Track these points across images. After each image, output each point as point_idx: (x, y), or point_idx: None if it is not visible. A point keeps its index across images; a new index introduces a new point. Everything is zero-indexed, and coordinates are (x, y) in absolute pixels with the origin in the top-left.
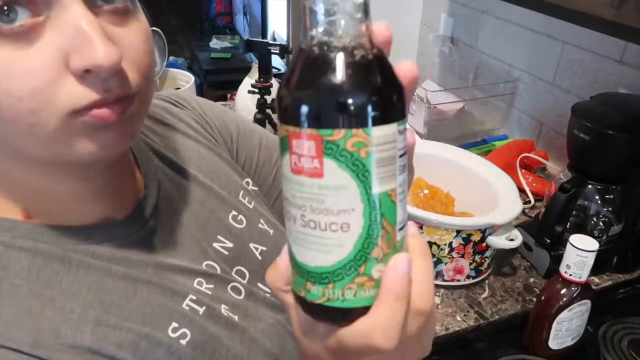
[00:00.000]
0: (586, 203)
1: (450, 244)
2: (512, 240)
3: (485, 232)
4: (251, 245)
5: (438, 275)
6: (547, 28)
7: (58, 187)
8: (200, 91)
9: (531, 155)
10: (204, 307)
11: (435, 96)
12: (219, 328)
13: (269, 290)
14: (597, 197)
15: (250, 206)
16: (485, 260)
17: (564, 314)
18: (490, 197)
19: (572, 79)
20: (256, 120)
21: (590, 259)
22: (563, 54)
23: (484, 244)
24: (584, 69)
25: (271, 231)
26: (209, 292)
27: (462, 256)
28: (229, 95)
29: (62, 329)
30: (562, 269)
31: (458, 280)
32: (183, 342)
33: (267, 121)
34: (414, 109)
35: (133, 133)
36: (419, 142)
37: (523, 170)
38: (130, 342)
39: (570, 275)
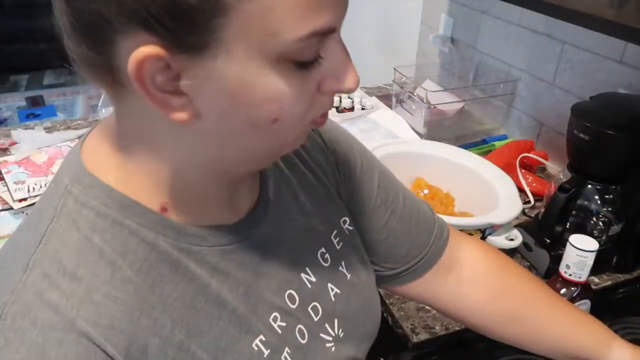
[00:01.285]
0: (586, 203)
1: None
2: (512, 240)
3: (485, 232)
4: (329, 285)
5: None
6: (547, 28)
7: (202, 191)
8: None
9: (531, 155)
10: (268, 350)
11: (435, 96)
12: None
13: (332, 334)
14: (597, 197)
15: (338, 247)
16: None
17: None
18: (490, 197)
19: (572, 79)
20: None
21: (590, 259)
22: (563, 54)
23: None
24: (584, 69)
25: (348, 275)
26: (280, 332)
27: None
28: None
29: (150, 346)
30: (562, 269)
31: None
32: None
33: None
34: (413, 108)
35: None
36: (419, 142)
37: (523, 170)
38: None
39: (570, 275)
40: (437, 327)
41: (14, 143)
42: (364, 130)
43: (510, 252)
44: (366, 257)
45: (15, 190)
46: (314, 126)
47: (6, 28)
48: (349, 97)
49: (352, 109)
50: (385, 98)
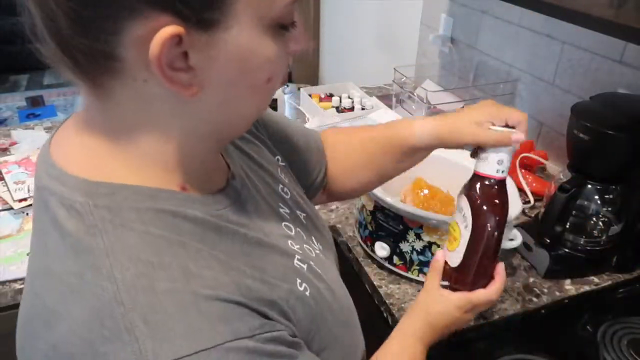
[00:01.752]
0: (586, 203)
1: None
2: (511, 240)
3: None
4: (297, 212)
5: None
6: (547, 28)
7: (207, 161)
8: None
9: (531, 155)
10: (305, 265)
11: (435, 96)
12: (318, 281)
13: (317, 249)
14: (596, 197)
15: (287, 181)
16: None
17: None
18: None
19: (572, 79)
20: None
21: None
22: (563, 54)
23: None
24: (583, 69)
25: (301, 201)
26: (301, 252)
27: None
28: None
29: (247, 283)
30: (491, 168)
31: None
32: (307, 294)
33: None
34: (413, 108)
35: None
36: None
37: (523, 170)
38: (285, 298)
39: (503, 172)
40: None
41: (14, 143)
42: None
43: (510, 252)
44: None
45: (15, 190)
46: (281, 86)
47: (6, 28)
48: (349, 97)
49: (352, 109)
50: (385, 98)
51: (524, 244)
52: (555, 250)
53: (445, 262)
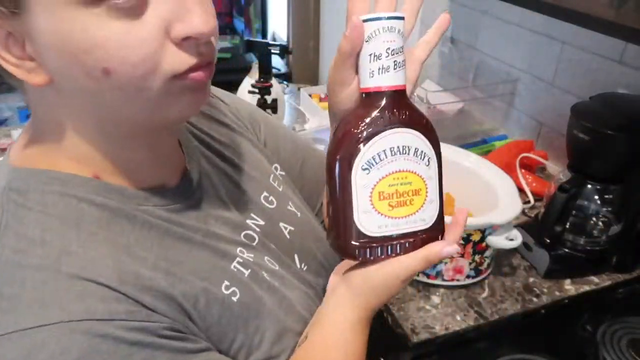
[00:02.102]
0: (586, 203)
1: None
2: (511, 240)
3: (485, 232)
4: (281, 224)
5: (438, 275)
6: (546, 28)
7: (127, 156)
8: None
9: (531, 155)
10: (249, 270)
11: (435, 96)
12: (262, 291)
13: (296, 268)
14: (596, 197)
15: (280, 189)
16: (485, 260)
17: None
18: (490, 197)
19: (571, 79)
20: None
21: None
22: (562, 54)
23: (483, 244)
24: (583, 69)
25: (298, 213)
26: (251, 260)
27: (462, 256)
28: None
29: (140, 272)
30: (364, 75)
31: (458, 280)
32: (234, 299)
33: None
34: None
35: (209, 95)
36: None
37: (523, 170)
38: (192, 294)
39: (381, 76)
40: (437, 327)
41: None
42: None
43: (510, 252)
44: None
45: None
46: (187, 82)
47: None
48: None
49: None
50: None
51: (524, 244)
52: (555, 250)
53: (409, 234)
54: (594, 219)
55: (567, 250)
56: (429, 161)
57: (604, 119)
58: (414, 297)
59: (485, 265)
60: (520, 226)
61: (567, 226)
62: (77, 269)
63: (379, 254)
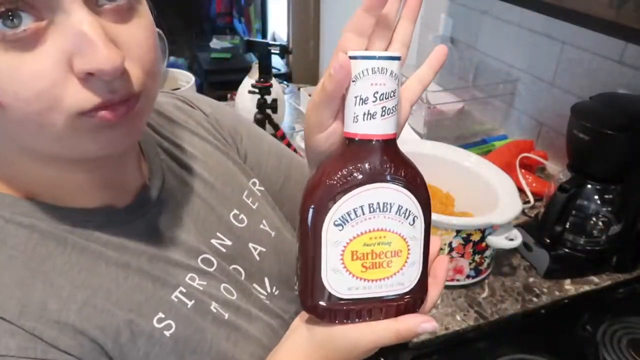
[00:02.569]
0: (586, 203)
1: (450, 244)
2: (511, 240)
3: (485, 232)
4: (250, 245)
5: None
6: (546, 28)
7: (63, 177)
8: (201, 91)
9: (531, 155)
10: (192, 301)
11: (435, 96)
12: (206, 323)
13: (264, 293)
14: (596, 197)
15: (254, 207)
16: (485, 260)
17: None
18: (490, 197)
19: (571, 79)
20: (256, 121)
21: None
22: (562, 54)
23: (483, 244)
24: (583, 69)
25: (273, 233)
26: (200, 288)
27: (462, 256)
28: (229, 95)
29: (50, 303)
30: (349, 119)
31: (458, 280)
32: (167, 333)
33: (267, 121)
34: (413, 108)
35: (138, 130)
36: (419, 142)
37: (523, 170)
38: (113, 328)
39: (366, 122)
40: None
41: None
42: None
43: (510, 252)
44: (283, 217)
45: None
46: (96, 120)
47: None
48: None
49: None
50: None
51: (524, 244)
52: (555, 250)
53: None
54: (594, 219)
55: (567, 250)
56: (414, 220)
57: (604, 119)
58: None
59: (485, 265)
60: (520, 226)
61: (567, 226)
62: None
63: (346, 319)
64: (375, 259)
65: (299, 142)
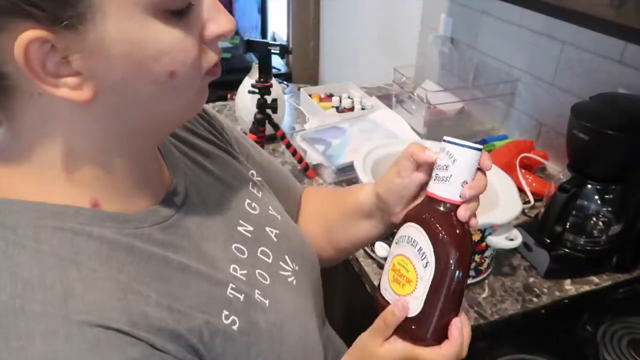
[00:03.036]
0: (586, 203)
1: None
2: (511, 240)
3: (485, 232)
4: (267, 229)
5: None
6: (547, 28)
7: (124, 175)
8: None
9: (531, 155)
10: (242, 295)
11: (435, 96)
12: (257, 314)
13: (289, 269)
14: (596, 197)
15: (259, 195)
16: (485, 260)
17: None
18: (490, 197)
19: (571, 79)
20: (256, 120)
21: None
22: (563, 54)
23: (483, 244)
24: (583, 69)
25: (279, 217)
26: (244, 279)
27: None
28: (229, 95)
29: (148, 312)
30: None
31: None
32: (234, 328)
33: (267, 121)
34: (413, 109)
35: None
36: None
37: (523, 170)
38: (197, 329)
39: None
40: None
41: None
42: (364, 130)
43: (510, 252)
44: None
45: None
46: (211, 77)
47: None
48: (349, 97)
49: (352, 109)
50: (385, 98)
51: (524, 244)
52: (555, 250)
53: (393, 312)
54: (594, 219)
55: (567, 250)
56: (426, 264)
57: (604, 119)
58: None
59: (485, 265)
60: (520, 226)
61: (567, 226)
62: (86, 314)
63: (378, 311)
64: (399, 276)
65: (298, 142)
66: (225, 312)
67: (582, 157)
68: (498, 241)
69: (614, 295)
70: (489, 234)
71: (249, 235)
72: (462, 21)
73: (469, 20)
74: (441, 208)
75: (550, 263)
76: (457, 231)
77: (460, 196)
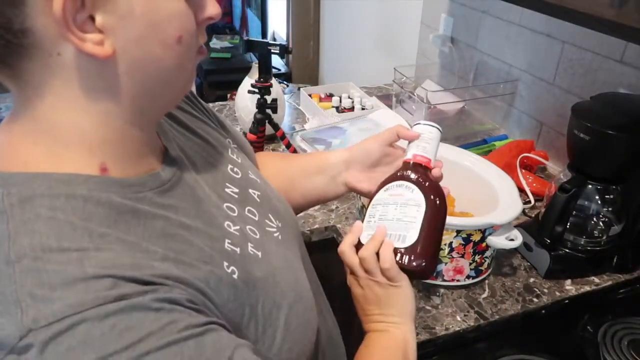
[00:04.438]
0: (586, 203)
1: (450, 244)
2: (512, 240)
3: (485, 232)
4: (250, 190)
5: (438, 275)
6: (547, 28)
7: (132, 139)
8: (201, 91)
9: (531, 155)
10: (238, 248)
11: (435, 96)
12: (252, 265)
13: (274, 227)
14: (597, 197)
15: (239, 160)
16: (485, 260)
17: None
18: (490, 197)
19: (572, 79)
20: (256, 120)
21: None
22: (563, 53)
23: (484, 244)
24: (584, 69)
25: (258, 180)
26: (237, 234)
27: (462, 256)
28: (229, 95)
29: (155, 265)
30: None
31: (458, 281)
32: (235, 276)
33: (267, 121)
34: (413, 108)
35: None
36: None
37: (523, 170)
38: (203, 277)
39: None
40: (437, 327)
41: None
42: (364, 130)
43: (510, 252)
44: None
45: None
46: (201, 56)
47: None
48: (349, 97)
49: (352, 109)
50: (385, 98)
51: (524, 244)
52: (555, 250)
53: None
54: (595, 219)
55: (567, 250)
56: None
57: (604, 119)
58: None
59: (485, 265)
60: (521, 226)
61: (568, 226)
62: (101, 268)
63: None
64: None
65: (298, 142)
66: (226, 263)
67: (583, 157)
68: (498, 241)
69: (614, 296)
70: (489, 234)
71: (236, 196)
72: (462, 21)
73: (469, 20)
74: (422, 169)
75: (550, 263)
76: (435, 182)
77: (434, 160)
